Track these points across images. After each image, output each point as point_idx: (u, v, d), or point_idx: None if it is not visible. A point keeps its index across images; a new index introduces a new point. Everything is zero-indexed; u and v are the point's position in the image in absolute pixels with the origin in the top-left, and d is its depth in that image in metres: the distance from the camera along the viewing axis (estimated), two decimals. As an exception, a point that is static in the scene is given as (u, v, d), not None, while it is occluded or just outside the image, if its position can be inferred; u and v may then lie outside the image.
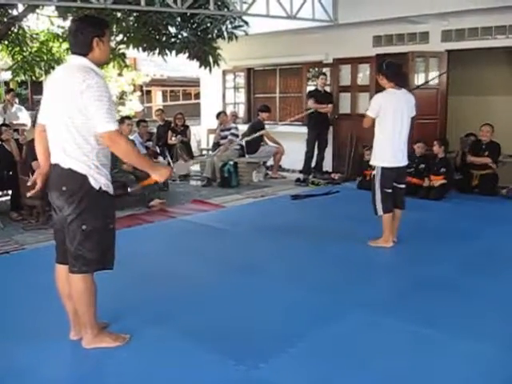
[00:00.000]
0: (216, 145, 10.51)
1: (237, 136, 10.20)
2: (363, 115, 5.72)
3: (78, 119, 3.06)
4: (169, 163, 9.88)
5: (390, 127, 5.36)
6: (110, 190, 3.27)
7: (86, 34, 3.21)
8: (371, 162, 5.61)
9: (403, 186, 5.66)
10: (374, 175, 5.55)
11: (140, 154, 3.54)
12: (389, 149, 5.40)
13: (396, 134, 5.40)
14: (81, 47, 3.21)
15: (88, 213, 3.15)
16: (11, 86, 13.50)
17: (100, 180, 3.18)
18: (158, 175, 3.35)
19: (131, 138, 8.74)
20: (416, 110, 5.60)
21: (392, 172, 5.45)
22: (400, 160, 5.48)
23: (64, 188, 3.13)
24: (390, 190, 5.49)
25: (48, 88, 3.27)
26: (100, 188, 3.18)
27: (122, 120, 8.02)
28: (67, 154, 3.12)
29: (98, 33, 3.22)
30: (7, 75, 11.32)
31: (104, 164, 3.22)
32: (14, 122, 9.78)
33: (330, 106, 9.87)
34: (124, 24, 8.10)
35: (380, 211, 5.49)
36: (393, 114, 5.36)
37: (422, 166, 8.17)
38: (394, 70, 5.47)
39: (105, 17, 7.57)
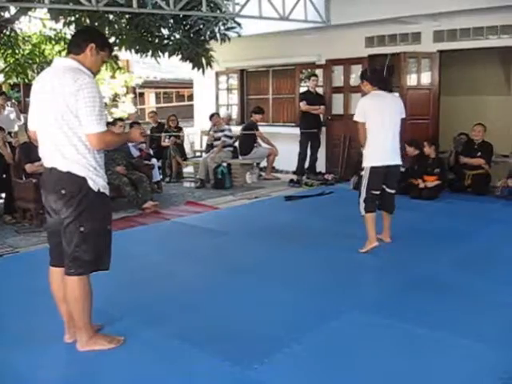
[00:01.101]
0: (209, 146, 10.51)
1: (230, 137, 10.21)
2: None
3: (72, 121, 3.06)
4: (159, 167, 9.87)
5: (378, 127, 5.37)
6: (107, 192, 3.29)
7: (85, 36, 3.30)
8: (362, 164, 5.59)
9: (393, 191, 5.63)
10: (362, 175, 5.56)
11: (119, 136, 3.73)
12: (378, 149, 5.40)
13: (384, 134, 5.38)
14: (75, 46, 3.26)
15: (86, 215, 3.16)
16: (3, 88, 13.46)
17: (98, 182, 3.19)
18: (132, 139, 3.76)
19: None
20: (405, 112, 5.63)
21: (380, 171, 5.42)
22: (390, 158, 5.45)
23: (63, 191, 3.12)
24: (376, 192, 5.46)
25: (36, 92, 3.23)
26: (98, 190, 3.19)
27: (114, 122, 8.01)
28: (65, 157, 3.11)
29: (96, 41, 3.27)
30: (-1, 78, 11.29)
31: (101, 165, 3.25)
32: (12, 131, 9.78)
33: (322, 107, 9.90)
34: (116, 26, 8.08)
35: (362, 211, 5.46)
36: (379, 113, 5.37)
37: (415, 166, 8.23)
38: (377, 75, 5.56)
39: (97, 19, 7.58)
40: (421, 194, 7.91)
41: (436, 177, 8.04)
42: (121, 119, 8.76)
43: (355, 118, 5.48)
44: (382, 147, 5.39)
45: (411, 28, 9.15)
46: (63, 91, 3.04)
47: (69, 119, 3.06)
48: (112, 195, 3.49)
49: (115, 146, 3.54)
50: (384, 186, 5.53)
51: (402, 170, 7.89)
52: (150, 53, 8.38)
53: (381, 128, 5.37)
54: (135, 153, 8.62)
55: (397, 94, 5.71)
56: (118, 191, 7.40)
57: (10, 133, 9.13)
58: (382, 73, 5.65)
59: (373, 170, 5.41)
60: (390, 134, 5.42)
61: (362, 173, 5.54)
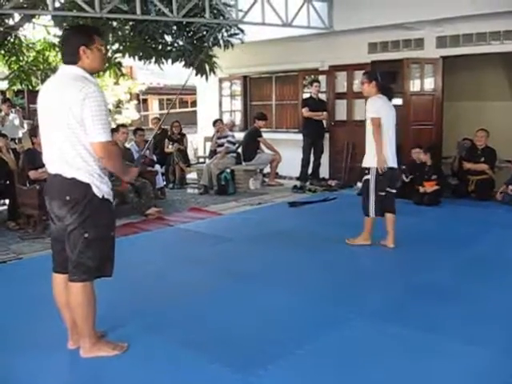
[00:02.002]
0: (213, 152, 10.53)
1: (234, 144, 10.22)
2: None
3: (78, 129, 3.06)
4: (163, 173, 9.88)
5: (385, 129, 5.49)
6: (111, 198, 3.30)
7: (72, 43, 3.23)
8: (365, 165, 5.64)
9: (395, 190, 5.77)
10: (367, 179, 5.60)
11: (122, 165, 3.52)
12: (385, 150, 5.49)
13: (390, 136, 5.56)
14: (69, 56, 3.23)
15: (90, 221, 3.16)
16: (8, 95, 13.50)
17: (103, 188, 3.19)
18: (127, 178, 3.58)
19: (128, 146, 8.75)
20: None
21: (387, 173, 5.52)
22: (394, 161, 5.62)
23: (68, 197, 3.13)
24: (383, 193, 5.56)
25: (42, 100, 3.23)
26: (103, 196, 3.19)
27: (116, 128, 8.00)
28: (70, 164, 3.11)
29: (84, 41, 3.21)
30: (3, 84, 11.31)
31: (105, 172, 3.25)
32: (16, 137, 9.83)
33: (324, 113, 9.91)
34: (120, 33, 8.11)
35: (373, 214, 5.57)
36: (387, 117, 5.52)
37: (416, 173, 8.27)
38: (385, 83, 5.65)
39: (100, 26, 7.59)
40: (422, 200, 7.91)
41: (434, 182, 8.02)
42: (124, 125, 8.75)
43: (374, 115, 5.49)
44: (388, 149, 5.53)
45: (414, 34, 9.16)
46: (69, 100, 3.04)
47: (74, 127, 3.06)
48: (115, 202, 3.48)
49: (116, 169, 3.36)
50: (388, 188, 5.62)
51: (407, 180, 8.03)
52: (153, 59, 8.40)
53: (387, 130, 5.52)
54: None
55: (397, 101, 5.87)
56: (121, 198, 7.40)
57: (13, 139, 9.15)
58: (388, 80, 5.76)
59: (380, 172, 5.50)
60: (393, 138, 5.61)
61: (368, 176, 5.55)
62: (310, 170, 9.94)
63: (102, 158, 3.15)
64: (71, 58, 3.21)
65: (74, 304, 3.23)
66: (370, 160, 5.57)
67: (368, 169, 5.57)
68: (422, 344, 3.49)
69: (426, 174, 8.12)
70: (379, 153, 5.46)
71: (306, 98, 10.12)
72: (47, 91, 3.23)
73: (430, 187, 7.99)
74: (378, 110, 5.48)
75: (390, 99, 5.69)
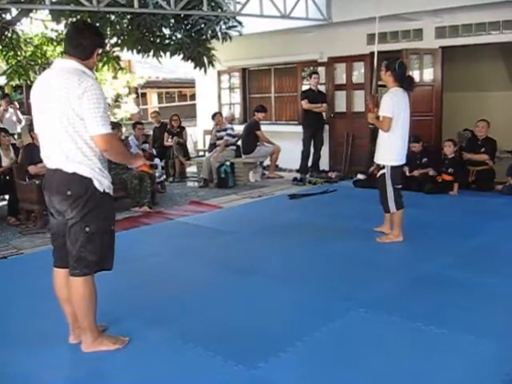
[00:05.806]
0: (212, 146, 10.51)
1: (233, 136, 10.20)
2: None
3: (78, 123, 3.05)
4: (162, 167, 9.87)
5: (401, 126, 5.43)
6: (111, 192, 3.30)
7: (92, 41, 3.23)
8: (379, 162, 5.63)
9: (400, 185, 5.78)
10: (382, 174, 5.58)
11: (126, 152, 3.71)
12: (400, 147, 5.51)
13: (405, 133, 5.52)
14: (82, 52, 3.18)
15: (92, 215, 3.16)
16: (6, 90, 13.48)
17: (104, 182, 3.20)
18: (134, 165, 3.77)
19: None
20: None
21: (400, 168, 5.66)
22: (404, 157, 5.63)
23: (69, 192, 3.12)
24: (399, 186, 5.61)
25: (38, 94, 3.19)
26: (104, 190, 3.20)
27: None
28: (70, 159, 3.10)
29: (101, 44, 3.30)
30: (2, 80, 11.29)
31: (105, 166, 3.26)
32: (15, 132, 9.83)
33: (324, 105, 9.89)
34: (118, 26, 8.09)
35: (393, 208, 5.57)
36: (403, 113, 5.44)
37: (425, 159, 8.27)
38: (402, 72, 5.53)
39: (98, 20, 7.58)
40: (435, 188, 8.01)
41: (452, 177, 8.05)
42: (117, 124, 8.60)
43: (385, 114, 5.38)
44: (402, 146, 5.54)
45: (413, 24, 9.12)
46: (68, 94, 3.02)
47: (74, 122, 3.05)
48: (117, 195, 3.47)
49: (120, 157, 3.43)
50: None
51: (408, 174, 8.02)
52: (151, 53, 8.39)
53: (404, 127, 5.48)
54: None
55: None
56: (124, 191, 7.41)
57: (12, 134, 9.15)
58: (406, 70, 5.67)
59: (395, 168, 5.53)
60: (406, 133, 5.55)
61: (383, 171, 5.56)
62: (309, 162, 9.93)
63: (104, 150, 3.15)
64: (83, 54, 3.18)
65: (75, 298, 3.23)
66: (382, 156, 5.57)
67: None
68: (423, 335, 3.49)
69: (445, 166, 8.10)
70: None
71: (306, 90, 10.09)
72: (43, 85, 3.19)
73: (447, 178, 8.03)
74: (391, 107, 5.35)
75: (408, 90, 5.55)
